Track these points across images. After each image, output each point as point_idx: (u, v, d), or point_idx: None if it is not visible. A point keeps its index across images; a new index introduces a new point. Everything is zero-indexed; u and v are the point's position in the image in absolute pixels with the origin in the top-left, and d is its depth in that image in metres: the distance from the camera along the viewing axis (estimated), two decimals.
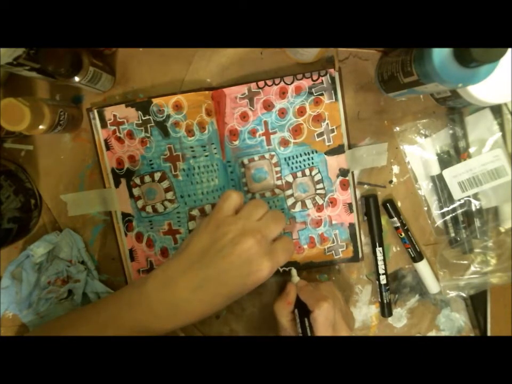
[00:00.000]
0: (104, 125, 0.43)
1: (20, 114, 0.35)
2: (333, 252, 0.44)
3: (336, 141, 0.43)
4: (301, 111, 0.43)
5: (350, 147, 0.43)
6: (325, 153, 0.43)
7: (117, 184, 0.44)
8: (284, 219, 0.38)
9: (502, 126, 0.42)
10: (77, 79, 0.38)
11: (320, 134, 0.43)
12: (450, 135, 0.43)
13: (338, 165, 0.43)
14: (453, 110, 0.43)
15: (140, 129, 0.43)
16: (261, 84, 0.42)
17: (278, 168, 0.44)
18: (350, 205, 0.44)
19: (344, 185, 0.44)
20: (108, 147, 0.43)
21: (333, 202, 0.44)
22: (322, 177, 0.44)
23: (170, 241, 0.44)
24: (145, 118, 0.42)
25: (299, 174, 0.44)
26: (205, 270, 0.33)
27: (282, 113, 0.43)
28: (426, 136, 0.44)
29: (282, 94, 0.43)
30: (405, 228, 0.44)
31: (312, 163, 0.44)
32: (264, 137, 0.43)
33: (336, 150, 0.43)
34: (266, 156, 0.44)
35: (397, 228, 0.44)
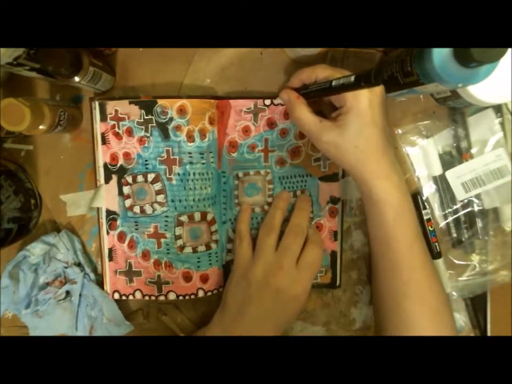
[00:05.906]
0: (103, 118, 0.42)
1: (20, 114, 0.35)
2: None
3: (332, 169, 0.43)
4: (302, 134, 0.43)
5: (343, 176, 0.44)
6: (319, 179, 0.44)
7: (108, 180, 0.43)
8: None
9: (502, 126, 0.42)
10: (77, 79, 0.38)
11: (317, 160, 0.43)
12: (452, 135, 0.43)
13: (330, 192, 0.44)
14: (455, 110, 0.43)
15: (140, 128, 0.42)
16: (268, 101, 0.42)
17: (271, 186, 0.44)
18: (335, 232, 0.44)
19: (332, 213, 0.44)
20: (104, 141, 0.43)
21: (319, 227, 0.44)
22: (312, 201, 0.44)
23: (153, 245, 0.43)
24: (147, 117, 0.42)
25: (290, 194, 0.44)
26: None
27: (284, 133, 0.43)
28: (428, 137, 0.44)
29: (287, 115, 0.42)
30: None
31: (305, 185, 0.44)
32: (262, 154, 0.43)
33: (330, 178, 0.43)
34: (262, 172, 0.44)
35: (428, 220, 0.44)
